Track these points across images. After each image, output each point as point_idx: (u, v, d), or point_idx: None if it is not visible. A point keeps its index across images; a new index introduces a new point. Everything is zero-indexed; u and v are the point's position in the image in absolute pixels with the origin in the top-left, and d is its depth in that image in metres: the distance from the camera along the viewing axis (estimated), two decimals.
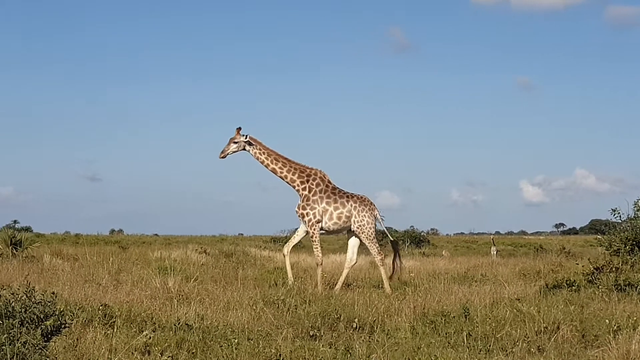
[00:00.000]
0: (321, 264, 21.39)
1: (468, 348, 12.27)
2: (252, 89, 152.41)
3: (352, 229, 21.56)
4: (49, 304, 9.59)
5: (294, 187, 21.66)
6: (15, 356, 8.91)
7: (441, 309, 15.32)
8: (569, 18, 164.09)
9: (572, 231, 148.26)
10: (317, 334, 13.13)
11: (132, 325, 12.93)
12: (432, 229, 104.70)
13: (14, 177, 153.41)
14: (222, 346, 11.64)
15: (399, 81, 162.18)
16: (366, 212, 21.39)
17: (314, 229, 21.35)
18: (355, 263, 21.93)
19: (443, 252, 45.20)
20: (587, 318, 14.01)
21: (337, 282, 21.18)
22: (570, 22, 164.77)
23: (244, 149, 21.57)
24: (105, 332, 12.07)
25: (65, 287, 16.96)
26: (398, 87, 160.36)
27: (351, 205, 21.35)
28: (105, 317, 13.11)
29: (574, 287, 18.18)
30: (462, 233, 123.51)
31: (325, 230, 21.60)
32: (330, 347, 11.87)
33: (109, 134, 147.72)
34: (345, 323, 13.95)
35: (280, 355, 11.16)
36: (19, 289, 10.00)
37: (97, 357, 10.60)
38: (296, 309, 15.36)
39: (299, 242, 22.02)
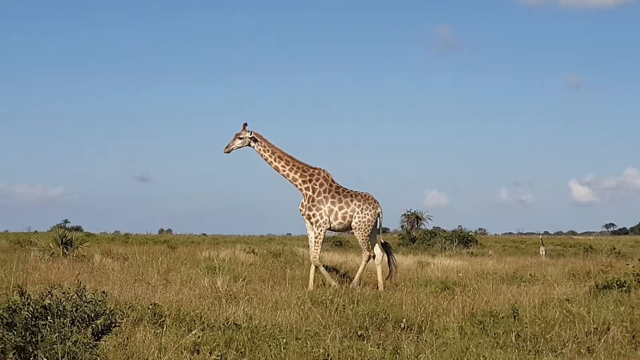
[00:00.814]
0: (318, 265, 21.37)
1: (517, 349, 12.19)
2: (295, 90, 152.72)
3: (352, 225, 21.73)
4: (100, 303, 9.66)
5: (296, 186, 21.78)
6: (66, 355, 8.99)
7: (490, 309, 15.24)
8: (619, 16, 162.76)
9: (623, 231, 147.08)
10: (365, 334, 13.11)
11: (181, 324, 13.01)
12: (480, 229, 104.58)
13: (65, 178, 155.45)
14: (270, 346, 11.67)
15: (446, 81, 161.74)
16: (369, 210, 21.53)
17: (321, 230, 21.48)
18: (383, 256, 21.92)
19: (490, 252, 44.99)
20: (638, 319, 13.86)
21: (377, 283, 21.28)
22: (620, 21, 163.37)
23: (249, 145, 21.76)
24: (154, 331, 12.15)
25: (115, 286, 17.10)
26: (445, 87, 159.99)
27: (355, 204, 21.50)
28: (154, 316, 13.20)
29: (624, 288, 18.00)
30: (511, 233, 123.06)
31: (331, 229, 21.80)
32: (378, 347, 11.85)
33: (157, 134, 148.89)
34: (394, 323, 13.93)
35: (328, 355, 11.16)
36: (69, 288, 10.08)
37: (146, 356, 10.67)
38: (344, 308, 15.36)
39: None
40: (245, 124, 21.67)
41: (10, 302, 9.27)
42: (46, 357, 8.95)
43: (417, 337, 12.93)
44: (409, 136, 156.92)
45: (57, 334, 9.07)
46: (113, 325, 9.58)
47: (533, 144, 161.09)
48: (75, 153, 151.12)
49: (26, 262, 23.14)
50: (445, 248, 47.75)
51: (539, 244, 48.03)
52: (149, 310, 13.39)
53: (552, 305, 15.62)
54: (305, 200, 21.63)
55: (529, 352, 12.07)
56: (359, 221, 21.39)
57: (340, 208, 21.45)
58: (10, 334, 8.95)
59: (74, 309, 9.45)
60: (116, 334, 10.83)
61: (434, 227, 69.53)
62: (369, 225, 21.46)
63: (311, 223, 21.52)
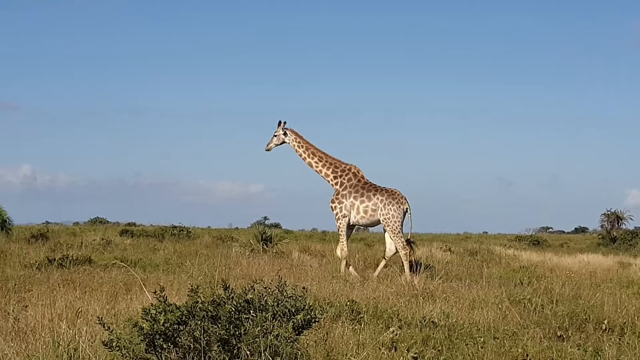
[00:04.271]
0: (344, 257, 21.54)
1: None
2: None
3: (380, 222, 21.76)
4: (300, 298, 9.84)
5: (328, 181, 22.33)
6: (268, 348, 9.21)
7: None
8: None
9: None
10: (565, 335, 12.90)
11: (378, 321, 13.13)
12: None
13: (265, 175, 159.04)
14: (467, 344, 11.63)
15: None
16: (393, 205, 21.54)
17: (340, 223, 21.89)
18: (395, 253, 21.85)
19: None
20: None
21: (375, 271, 21.34)
22: None
23: (284, 142, 22.56)
24: (353, 327, 12.32)
25: (313, 282, 17.40)
26: None
27: (377, 199, 21.64)
28: (352, 312, 13.38)
29: None
30: None
31: (357, 224, 22.18)
32: (578, 349, 11.64)
33: (362, 134, 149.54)
34: (594, 324, 13.64)
35: (527, 355, 11.03)
36: (270, 283, 10.33)
37: (345, 351, 10.82)
38: (543, 308, 15.16)
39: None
40: (280, 122, 22.62)
41: (215, 296, 9.57)
42: (249, 350, 9.20)
43: (619, 339, 12.61)
44: (607, 134, 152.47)
45: (259, 328, 9.30)
46: (313, 320, 9.74)
47: None
48: (274, 151, 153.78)
49: (228, 257, 23.84)
50: None
51: None
52: (347, 307, 13.60)
53: None
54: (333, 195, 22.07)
55: None
56: (385, 218, 21.53)
57: (362, 202, 21.75)
58: (215, 327, 9.24)
59: (276, 303, 9.68)
60: (316, 329, 11.02)
61: (635, 227, 67.45)
62: (396, 221, 21.51)
63: (334, 215, 21.95)
